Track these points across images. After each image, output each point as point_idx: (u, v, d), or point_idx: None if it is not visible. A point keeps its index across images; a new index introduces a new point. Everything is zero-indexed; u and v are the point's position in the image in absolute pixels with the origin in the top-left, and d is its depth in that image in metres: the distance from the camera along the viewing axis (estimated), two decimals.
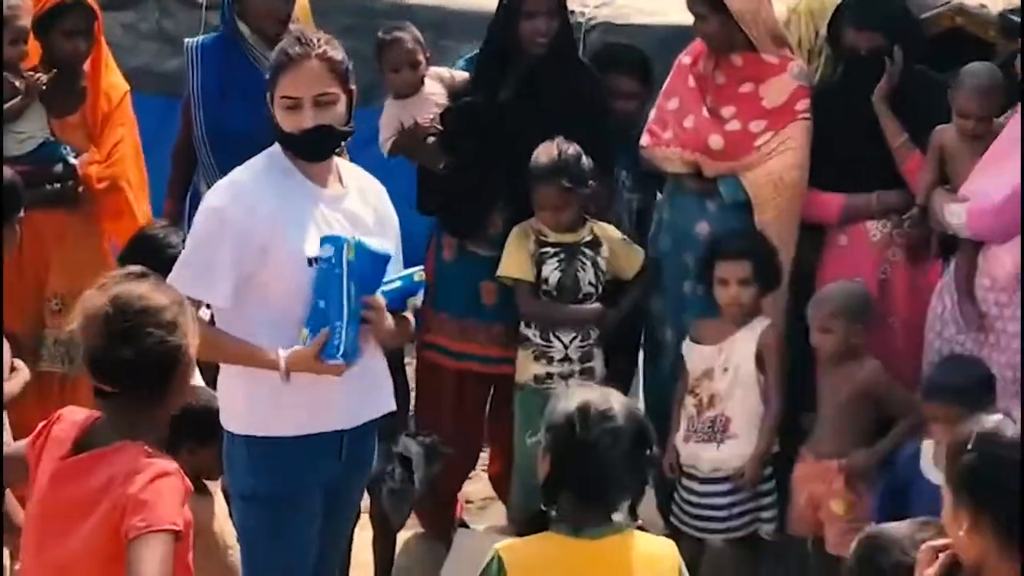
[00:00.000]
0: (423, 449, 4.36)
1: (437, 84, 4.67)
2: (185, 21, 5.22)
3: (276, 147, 3.40)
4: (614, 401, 2.77)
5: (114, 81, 4.95)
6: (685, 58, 4.59)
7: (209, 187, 4.63)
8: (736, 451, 4.23)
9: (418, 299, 3.58)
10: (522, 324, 4.44)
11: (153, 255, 4.27)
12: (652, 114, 4.60)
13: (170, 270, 4.18)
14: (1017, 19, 4.42)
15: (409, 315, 3.55)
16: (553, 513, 2.80)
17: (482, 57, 4.65)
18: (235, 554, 3.68)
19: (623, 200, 4.77)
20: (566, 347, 4.37)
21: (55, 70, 4.72)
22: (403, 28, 4.68)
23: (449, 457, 4.48)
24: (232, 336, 3.30)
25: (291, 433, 3.37)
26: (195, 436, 3.63)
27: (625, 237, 4.52)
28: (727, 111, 4.49)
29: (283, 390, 3.30)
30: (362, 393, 3.45)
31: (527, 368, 4.41)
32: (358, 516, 3.89)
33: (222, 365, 3.46)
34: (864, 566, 2.42)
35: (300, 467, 3.39)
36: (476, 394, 4.71)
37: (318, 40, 3.33)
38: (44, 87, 4.67)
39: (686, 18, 4.54)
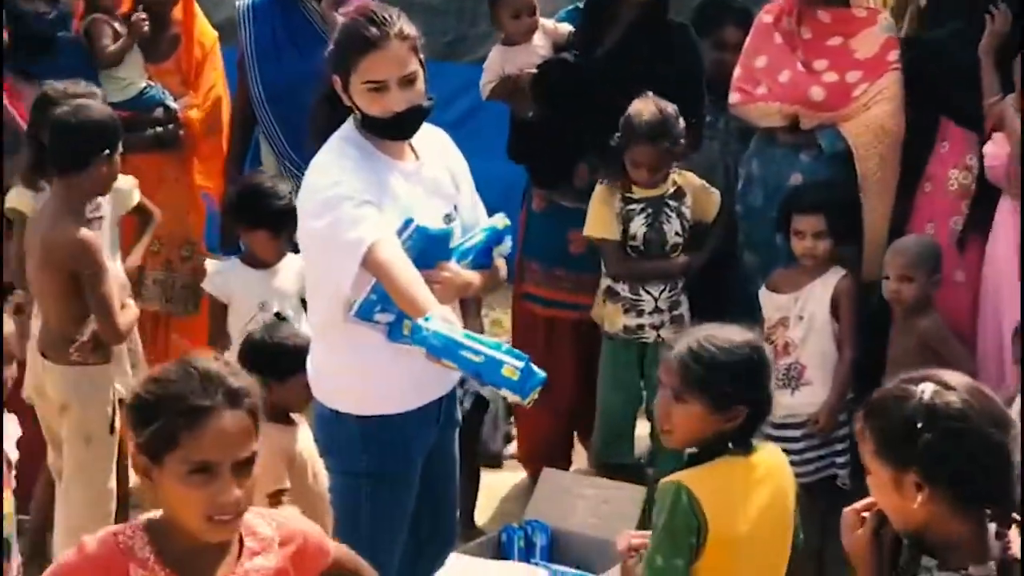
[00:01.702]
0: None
1: (541, 35, 4.81)
2: None
3: (346, 129, 3.33)
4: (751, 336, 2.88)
5: (204, 28, 5.19)
6: (766, 16, 4.67)
7: (267, 141, 4.86)
8: (810, 398, 4.32)
9: (506, 245, 3.46)
10: (610, 279, 4.55)
11: (261, 204, 4.42)
12: (737, 72, 4.66)
13: (277, 220, 4.33)
14: None
15: (499, 262, 3.49)
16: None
17: (585, 12, 4.80)
18: (325, 482, 3.78)
19: (729, 150, 4.89)
20: (656, 299, 4.49)
21: (146, 14, 4.92)
22: None
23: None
24: None
25: (402, 409, 3.39)
26: (272, 374, 3.70)
27: (704, 183, 4.62)
28: (820, 64, 4.58)
29: (393, 369, 3.30)
30: None
31: (617, 320, 4.53)
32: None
33: (326, 348, 3.45)
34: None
35: (409, 441, 3.44)
36: (570, 341, 4.85)
37: (391, 16, 3.25)
38: (145, 27, 4.88)
39: None
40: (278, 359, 3.84)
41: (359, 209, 3.15)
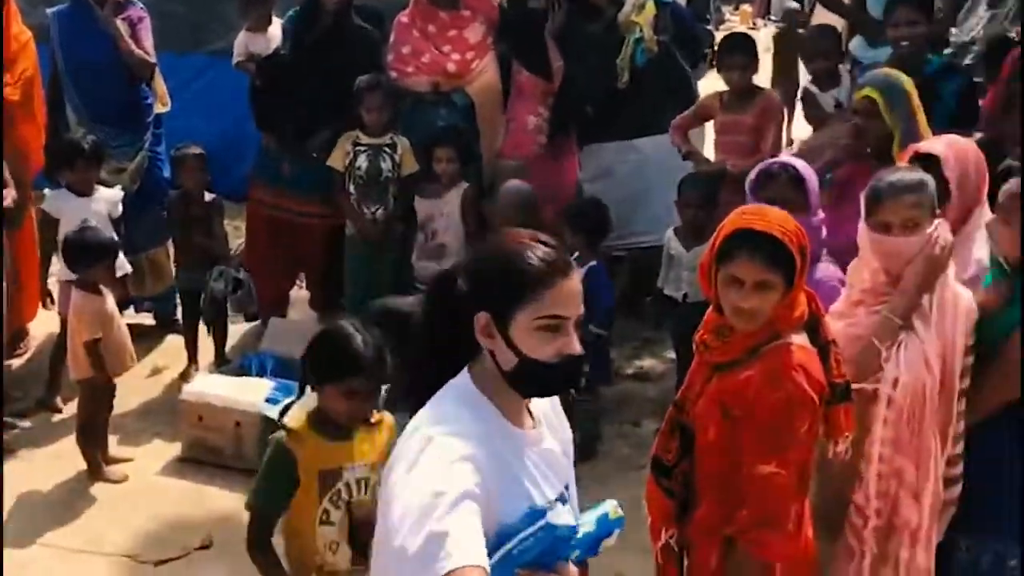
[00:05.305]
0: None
1: (277, 25, 6.81)
2: None
3: (462, 381, 2.50)
4: None
5: (21, 29, 6.81)
6: (403, 18, 6.70)
7: (71, 106, 6.76)
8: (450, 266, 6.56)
9: (612, 539, 2.69)
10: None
11: (74, 152, 6.25)
12: (390, 58, 6.65)
13: (86, 162, 6.23)
14: None
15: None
16: None
17: (296, 16, 6.73)
18: (126, 332, 5.80)
19: None
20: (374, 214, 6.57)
21: None
22: None
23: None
24: None
25: None
26: (82, 262, 5.54)
27: (409, 147, 6.47)
28: (446, 48, 6.64)
29: None
30: None
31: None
32: None
33: None
34: None
35: None
36: (291, 236, 6.79)
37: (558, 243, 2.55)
38: None
39: None
40: (85, 251, 5.56)
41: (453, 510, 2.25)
